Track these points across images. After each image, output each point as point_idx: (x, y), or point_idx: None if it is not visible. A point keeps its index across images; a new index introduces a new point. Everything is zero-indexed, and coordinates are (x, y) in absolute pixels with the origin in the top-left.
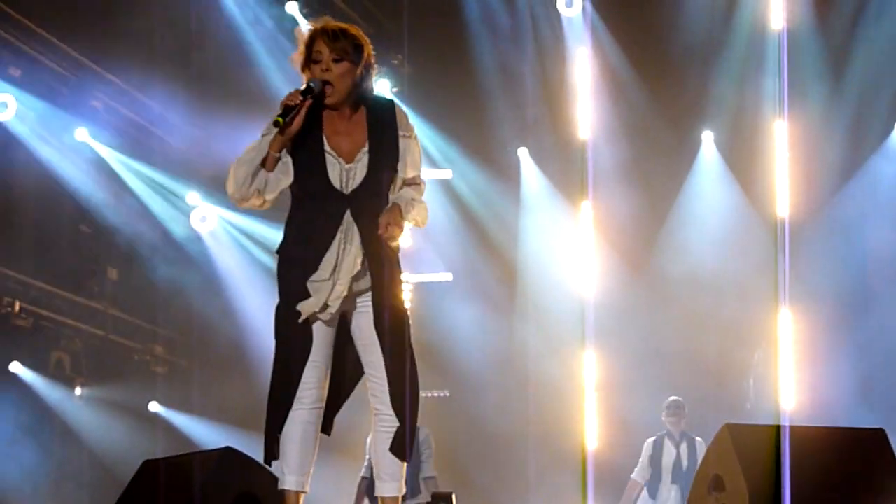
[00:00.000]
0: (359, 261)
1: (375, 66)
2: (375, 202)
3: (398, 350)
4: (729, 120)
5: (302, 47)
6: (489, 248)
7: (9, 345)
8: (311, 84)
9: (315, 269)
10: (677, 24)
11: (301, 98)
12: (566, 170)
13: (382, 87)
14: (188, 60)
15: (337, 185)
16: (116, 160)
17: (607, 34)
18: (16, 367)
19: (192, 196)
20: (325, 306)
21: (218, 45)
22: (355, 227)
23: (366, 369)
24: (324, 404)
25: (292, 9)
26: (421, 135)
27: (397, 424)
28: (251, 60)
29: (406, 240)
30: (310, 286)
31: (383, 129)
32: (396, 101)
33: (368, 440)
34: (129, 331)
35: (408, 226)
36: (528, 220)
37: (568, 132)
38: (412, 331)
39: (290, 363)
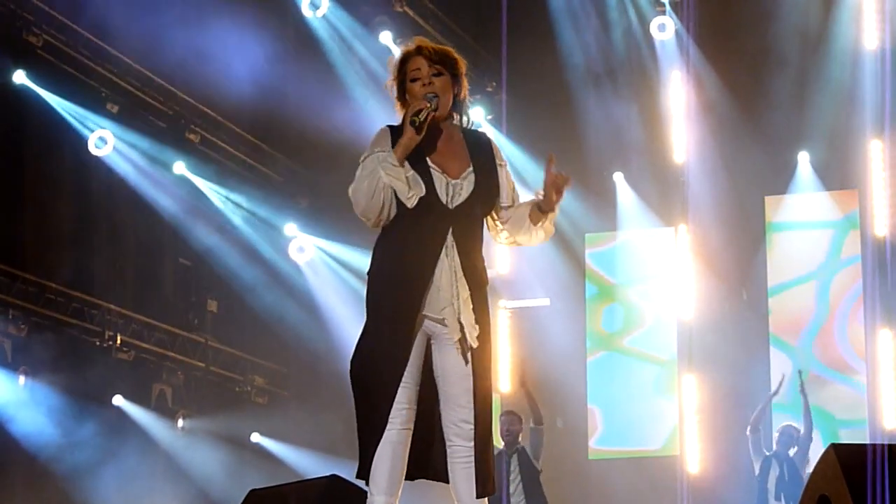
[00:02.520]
0: (457, 286)
1: (467, 88)
2: (475, 225)
3: (485, 385)
4: (825, 140)
5: (395, 70)
6: (585, 273)
7: (111, 378)
8: (428, 100)
9: (419, 286)
10: (770, 45)
11: (428, 105)
12: (662, 193)
13: (476, 114)
14: (284, 92)
15: (443, 198)
16: (214, 193)
17: (700, 57)
18: (118, 401)
19: (290, 227)
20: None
21: (313, 75)
22: (456, 250)
23: (447, 400)
24: (412, 427)
25: (385, 39)
26: (516, 160)
27: (473, 458)
28: (345, 92)
29: (504, 265)
30: (443, 313)
31: (483, 155)
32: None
33: None
34: (229, 362)
35: (507, 249)
36: (625, 243)
37: (663, 156)
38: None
39: (384, 383)
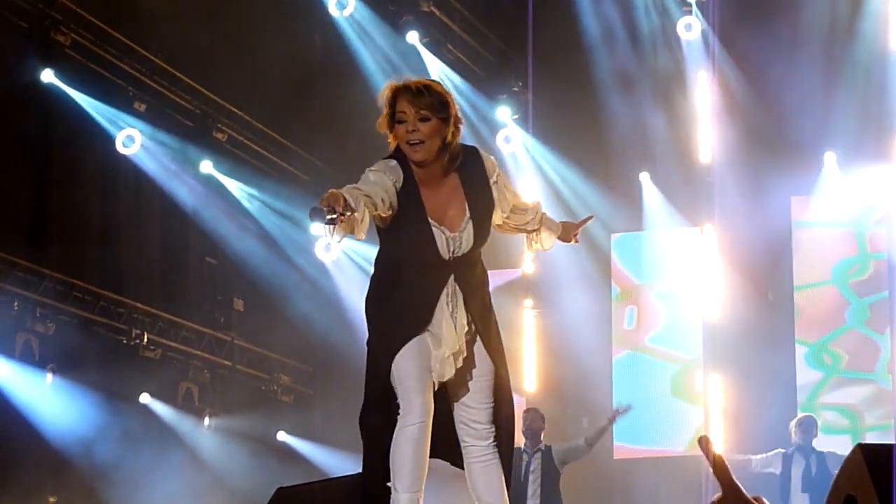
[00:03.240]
0: (465, 321)
1: (462, 121)
2: (475, 262)
3: (507, 412)
4: (851, 140)
5: (386, 103)
6: (611, 273)
7: (138, 376)
8: (331, 217)
9: (421, 323)
10: (796, 44)
11: (334, 214)
12: (688, 193)
13: (503, 113)
14: (312, 92)
15: (445, 255)
16: (241, 192)
17: (727, 57)
18: (145, 399)
19: (317, 226)
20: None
21: (340, 74)
22: (459, 290)
23: (457, 399)
24: (430, 421)
25: (413, 38)
26: (541, 159)
27: (494, 455)
28: (372, 91)
29: (529, 265)
30: (443, 362)
31: (478, 189)
32: (478, 147)
33: None
34: (255, 361)
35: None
36: (651, 244)
37: (690, 156)
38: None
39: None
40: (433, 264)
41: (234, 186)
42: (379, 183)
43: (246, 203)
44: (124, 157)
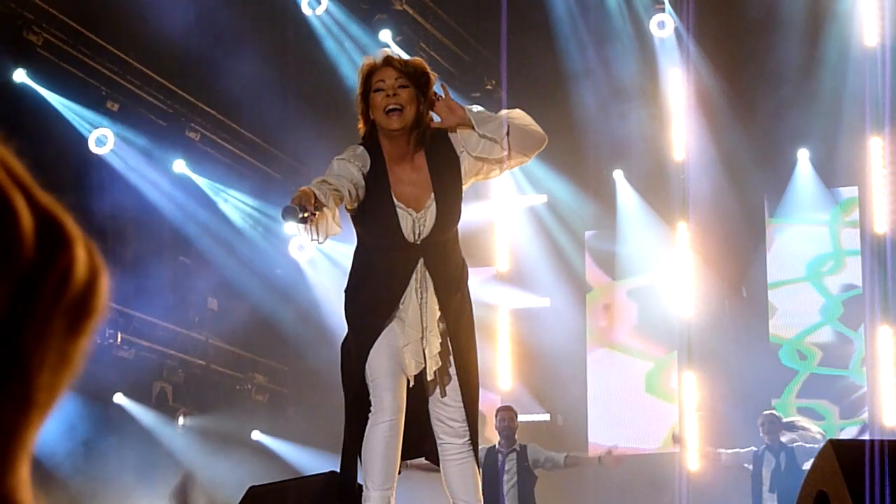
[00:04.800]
0: (437, 307)
1: (434, 102)
2: (445, 241)
3: (470, 382)
4: (825, 137)
5: (361, 83)
6: (585, 271)
7: (112, 376)
8: (301, 216)
9: (391, 311)
10: (770, 42)
11: (305, 213)
12: (662, 191)
13: None
14: (284, 91)
15: (410, 238)
16: (214, 191)
17: (700, 54)
18: (119, 399)
19: (290, 225)
20: (423, 367)
21: (313, 74)
22: (428, 274)
23: (432, 396)
24: (402, 418)
25: (385, 37)
26: None
27: (470, 453)
28: (345, 90)
29: (503, 263)
30: (405, 350)
31: (444, 166)
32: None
33: None
34: (229, 360)
35: (505, 247)
36: (625, 241)
37: (663, 154)
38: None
39: (361, 381)
40: (399, 246)
41: (208, 185)
42: (345, 174)
43: (219, 202)
44: (97, 156)
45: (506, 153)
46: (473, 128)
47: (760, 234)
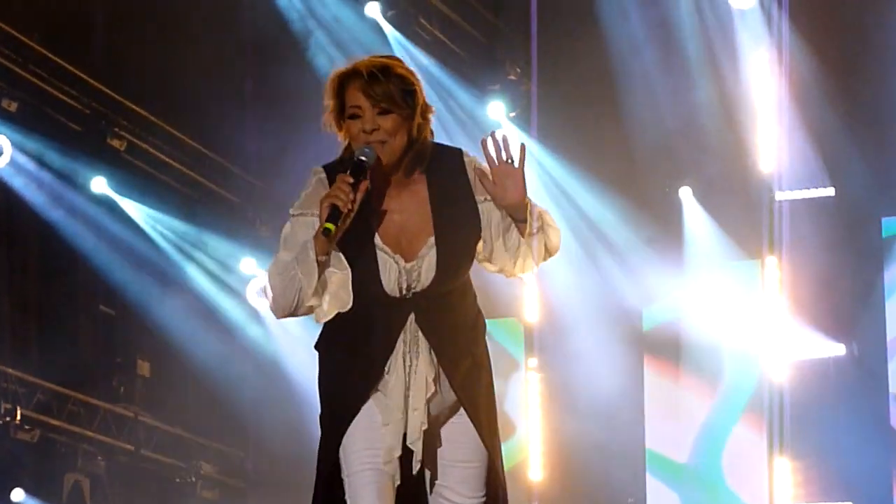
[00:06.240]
0: (430, 378)
1: (433, 109)
2: (451, 302)
3: (496, 493)
4: None
5: (332, 94)
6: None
7: (9, 465)
8: (363, 157)
9: (371, 381)
10: (889, 19)
11: (352, 188)
12: (744, 215)
13: (495, 110)
14: (240, 85)
15: (395, 292)
16: (146, 218)
17: (796, 32)
18: (17, 496)
19: (248, 263)
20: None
21: (278, 61)
22: (421, 335)
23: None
24: None
25: (373, 11)
26: (547, 170)
27: None
28: (320, 83)
29: (531, 313)
30: (383, 430)
31: (454, 204)
32: (465, 150)
33: None
34: (167, 444)
35: (536, 294)
36: (693, 278)
37: (745, 164)
38: None
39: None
40: (381, 301)
41: (137, 211)
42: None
43: (152, 233)
44: None
45: (518, 271)
46: (525, 220)
47: (877, 274)
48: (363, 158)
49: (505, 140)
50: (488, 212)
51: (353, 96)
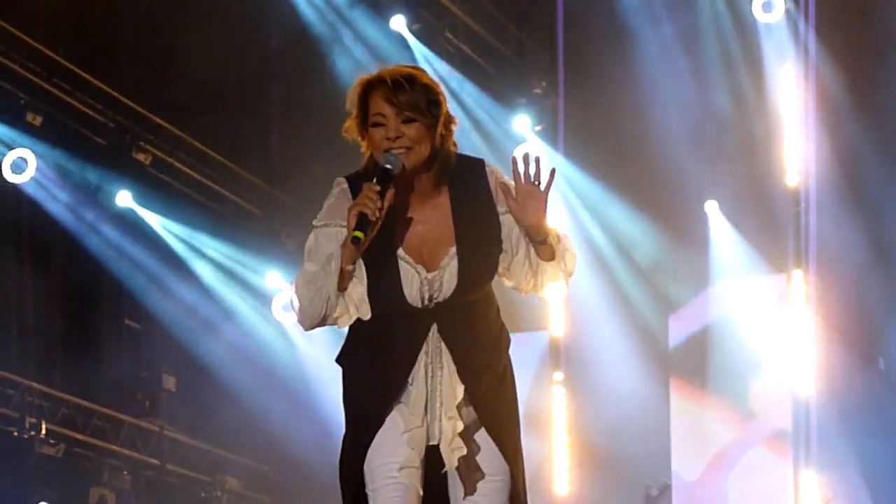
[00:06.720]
0: (460, 389)
1: (456, 120)
2: (472, 303)
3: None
4: None
5: (354, 108)
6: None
7: (34, 480)
8: (389, 165)
9: (394, 393)
10: None
11: (379, 196)
12: (771, 229)
13: (521, 124)
14: (266, 97)
15: (417, 302)
16: (171, 232)
17: (822, 46)
18: None
19: (273, 276)
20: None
21: (302, 73)
22: (444, 346)
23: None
24: None
25: (398, 24)
26: (575, 187)
27: None
28: (343, 96)
29: (557, 326)
30: (404, 436)
31: (476, 215)
32: (485, 161)
33: None
34: (192, 458)
35: (561, 308)
36: (720, 293)
37: (771, 178)
38: None
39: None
40: (403, 311)
41: (161, 225)
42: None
43: (178, 247)
44: (13, 186)
45: (532, 289)
46: (541, 242)
47: None
48: (389, 167)
49: (537, 161)
50: (509, 224)
51: (377, 104)
